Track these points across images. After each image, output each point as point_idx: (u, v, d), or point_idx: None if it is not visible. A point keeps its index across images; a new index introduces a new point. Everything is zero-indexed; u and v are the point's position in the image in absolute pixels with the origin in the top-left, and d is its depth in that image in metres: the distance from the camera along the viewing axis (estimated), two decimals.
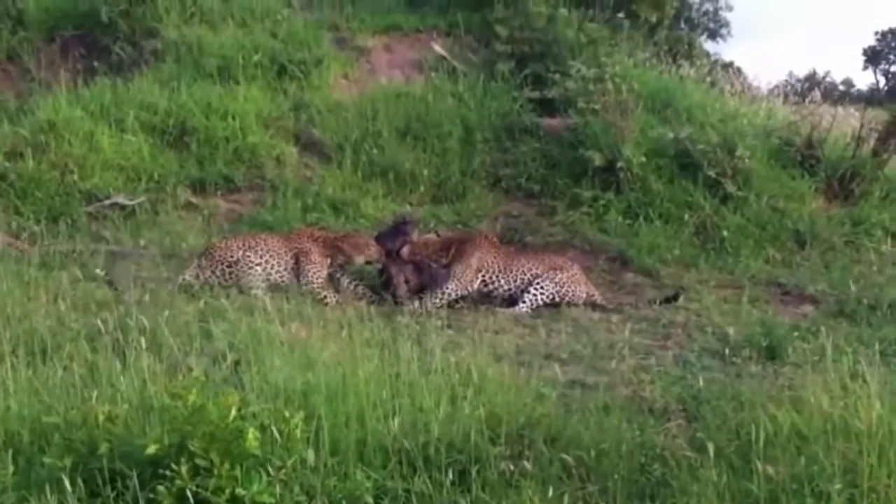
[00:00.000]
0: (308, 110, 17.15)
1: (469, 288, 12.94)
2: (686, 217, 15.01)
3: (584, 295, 12.93)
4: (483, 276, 13.02)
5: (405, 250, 13.15)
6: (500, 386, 8.30)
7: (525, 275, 13.00)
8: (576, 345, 10.70)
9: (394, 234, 13.34)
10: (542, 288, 12.81)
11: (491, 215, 15.58)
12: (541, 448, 7.39)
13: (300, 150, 16.69)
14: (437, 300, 12.68)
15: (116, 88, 16.88)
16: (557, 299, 12.80)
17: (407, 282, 13.02)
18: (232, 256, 12.59)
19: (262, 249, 12.76)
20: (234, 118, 16.41)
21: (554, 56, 17.93)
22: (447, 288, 12.83)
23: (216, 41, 18.00)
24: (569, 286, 12.87)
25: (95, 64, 18.25)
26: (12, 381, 8.23)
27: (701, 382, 8.66)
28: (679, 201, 15.27)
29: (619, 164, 15.34)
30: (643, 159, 15.49)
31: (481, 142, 16.68)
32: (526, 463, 7.26)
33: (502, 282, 13.04)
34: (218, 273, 12.49)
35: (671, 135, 15.85)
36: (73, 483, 6.63)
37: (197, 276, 12.40)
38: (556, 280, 12.86)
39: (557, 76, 17.27)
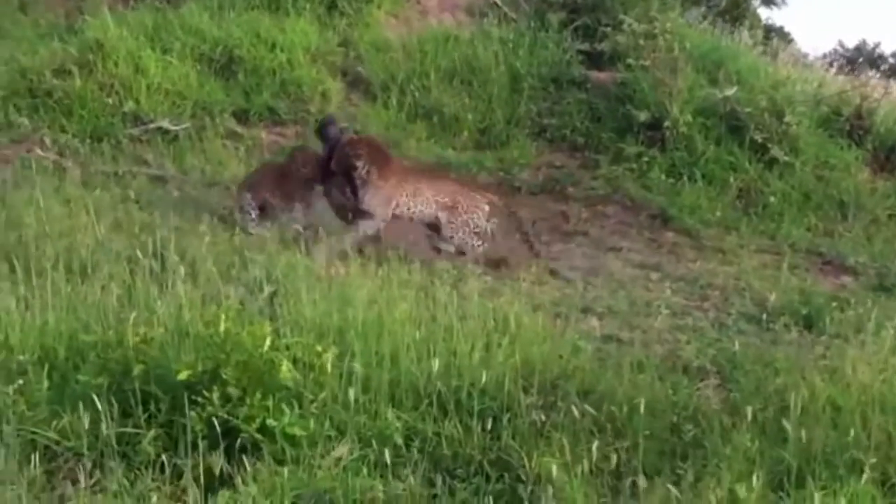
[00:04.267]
0: (356, 47, 17.03)
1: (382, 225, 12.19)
2: (730, 179, 14.85)
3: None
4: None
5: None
6: (536, 336, 8.29)
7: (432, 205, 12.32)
8: (612, 300, 10.66)
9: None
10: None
11: (533, 165, 15.47)
12: (573, 400, 7.37)
13: (346, 86, 16.58)
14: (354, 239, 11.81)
15: (166, 13, 16.78)
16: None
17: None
18: None
19: None
20: (281, 50, 16.29)
21: (606, 9, 17.71)
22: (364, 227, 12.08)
23: None
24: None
25: None
26: (51, 296, 8.27)
27: (737, 346, 8.63)
28: (724, 163, 15.11)
29: (666, 122, 15.19)
30: (690, 118, 15.31)
31: (528, 90, 16.50)
32: (557, 414, 7.26)
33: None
34: None
35: (719, 95, 15.67)
36: (106, 402, 6.66)
37: None
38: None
39: (608, 29, 17.11)
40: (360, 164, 11.95)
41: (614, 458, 6.72)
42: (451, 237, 12.13)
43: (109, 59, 15.26)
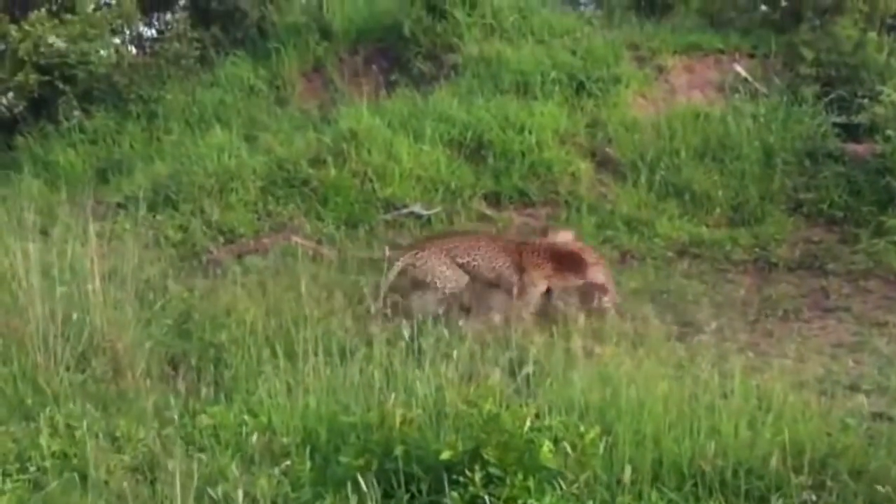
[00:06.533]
0: (605, 128, 17.02)
1: None
2: None
3: None
4: None
5: None
6: (802, 414, 8.01)
7: None
8: (880, 377, 10.24)
9: None
10: None
11: (790, 240, 15.13)
12: (845, 480, 7.10)
13: (595, 166, 16.59)
14: None
15: (416, 101, 17.19)
16: None
17: None
18: None
19: None
20: (530, 133, 16.43)
21: (862, 80, 17.29)
22: None
23: (515, 57, 18.05)
24: None
25: (395, 77, 18.66)
26: (312, 379, 8.44)
27: None
28: None
29: None
30: None
31: (782, 165, 16.18)
32: (829, 494, 7.01)
33: None
34: None
35: None
36: (367, 483, 6.71)
37: None
38: None
39: (865, 101, 16.69)
40: None
41: None
42: None
43: (363, 148, 15.70)
